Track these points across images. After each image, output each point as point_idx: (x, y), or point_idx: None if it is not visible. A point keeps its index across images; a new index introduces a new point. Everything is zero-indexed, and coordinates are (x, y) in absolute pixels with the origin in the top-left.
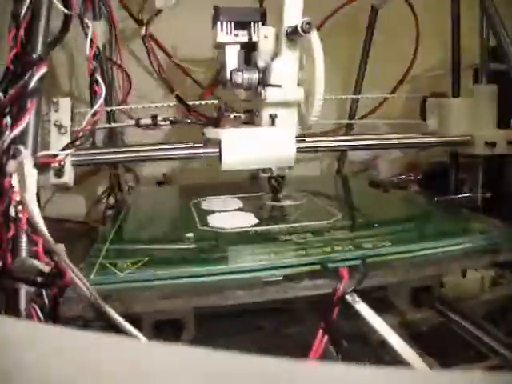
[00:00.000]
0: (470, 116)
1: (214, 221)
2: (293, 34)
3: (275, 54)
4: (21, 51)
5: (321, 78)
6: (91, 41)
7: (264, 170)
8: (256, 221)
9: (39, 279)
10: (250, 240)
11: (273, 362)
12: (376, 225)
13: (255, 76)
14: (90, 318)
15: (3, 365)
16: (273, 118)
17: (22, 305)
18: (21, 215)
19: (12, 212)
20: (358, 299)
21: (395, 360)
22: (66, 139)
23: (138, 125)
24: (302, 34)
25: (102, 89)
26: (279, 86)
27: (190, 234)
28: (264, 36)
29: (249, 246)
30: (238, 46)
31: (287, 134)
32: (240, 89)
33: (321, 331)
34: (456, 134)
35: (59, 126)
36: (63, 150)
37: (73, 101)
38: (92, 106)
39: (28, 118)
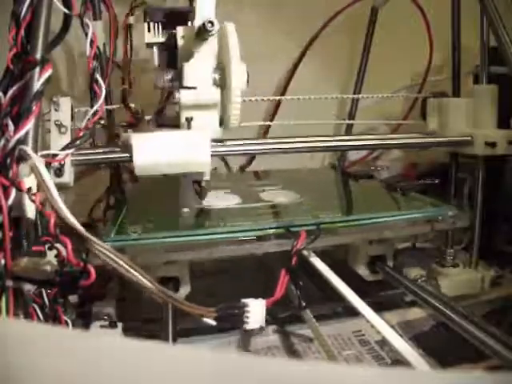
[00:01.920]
0: (470, 116)
1: (206, 200)
2: (202, 34)
3: (189, 55)
4: (21, 51)
5: (236, 77)
6: (91, 41)
7: (185, 175)
8: (240, 200)
9: (57, 278)
10: (234, 213)
11: (272, 362)
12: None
13: (170, 77)
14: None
15: (3, 365)
16: (188, 120)
17: (23, 305)
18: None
19: (30, 214)
20: (313, 255)
21: (395, 360)
22: (67, 139)
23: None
24: (207, 34)
25: (102, 89)
26: (194, 87)
27: (186, 209)
28: (181, 36)
29: (232, 216)
30: (164, 47)
31: (201, 138)
32: (161, 90)
33: (283, 271)
34: (456, 134)
35: (59, 126)
36: (63, 149)
37: (73, 100)
38: (92, 105)
39: (33, 121)
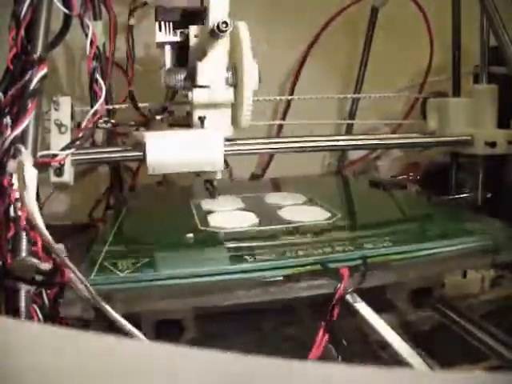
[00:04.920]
0: (471, 116)
1: (214, 220)
2: (213, 34)
3: (203, 54)
4: (21, 51)
5: (249, 77)
6: (91, 41)
7: (198, 174)
8: (256, 220)
9: (38, 277)
10: (251, 240)
11: (272, 362)
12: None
13: (184, 77)
14: (90, 319)
15: (3, 365)
16: (201, 120)
17: (22, 305)
18: (20, 214)
19: (11, 211)
20: (358, 299)
21: (395, 360)
22: (67, 138)
23: (78, 126)
24: (219, 33)
25: (103, 88)
26: (207, 86)
27: (191, 235)
28: (194, 35)
29: (249, 246)
30: (176, 47)
31: (215, 137)
32: (173, 90)
33: (321, 330)
34: (456, 134)
35: (59, 125)
36: (63, 149)
37: (73, 100)
38: (92, 105)
39: (29, 119)
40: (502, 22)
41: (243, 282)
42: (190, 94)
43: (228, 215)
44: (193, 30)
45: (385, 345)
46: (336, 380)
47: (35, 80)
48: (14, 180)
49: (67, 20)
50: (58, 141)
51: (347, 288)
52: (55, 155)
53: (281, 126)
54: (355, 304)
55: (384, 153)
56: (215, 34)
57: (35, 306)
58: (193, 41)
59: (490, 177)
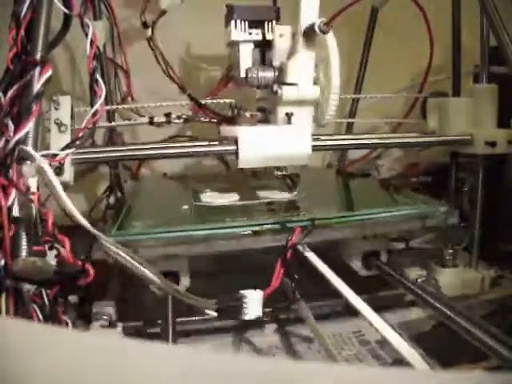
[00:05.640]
0: (470, 115)
1: (205, 198)
2: (310, 34)
3: (291, 53)
4: (21, 51)
5: (336, 77)
6: (91, 41)
7: (278, 169)
8: (237, 197)
9: (57, 277)
10: (232, 209)
11: (273, 362)
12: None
13: (271, 74)
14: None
15: (3, 365)
16: (289, 116)
17: (22, 305)
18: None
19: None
20: (307, 249)
21: (395, 360)
22: (66, 137)
23: (151, 123)
24: (320, 33)
25: (102, 89)
26: (295, 84)
27: (186, 206)
28: (280, 35)
29: (230, 212)
30: (252, 45)
31: (303, 132)
32: (255, 87)
33: (278, 264)
34: (456, 134)
35: (59, 124)
36: (63, 149)
37: (73, 100)
38: (92, 105)
39: (33, 121)
40: (501, 22)
41: (223, 235)
42: (279, 90)
43: (215, 194)
44: (279, 29)
45: (385, 345)
46: (336, 380)
47: (40, 82)
48: (33, 184)
49: (67, 20)
50: (58, 140)
51: (298, 239)
52: (55, 155)
53: None
54: (305, 252)
55: (384, 152)
56: (314, 33)
57: (35, 306)
58: (278, 40)
59: (490, 176)
